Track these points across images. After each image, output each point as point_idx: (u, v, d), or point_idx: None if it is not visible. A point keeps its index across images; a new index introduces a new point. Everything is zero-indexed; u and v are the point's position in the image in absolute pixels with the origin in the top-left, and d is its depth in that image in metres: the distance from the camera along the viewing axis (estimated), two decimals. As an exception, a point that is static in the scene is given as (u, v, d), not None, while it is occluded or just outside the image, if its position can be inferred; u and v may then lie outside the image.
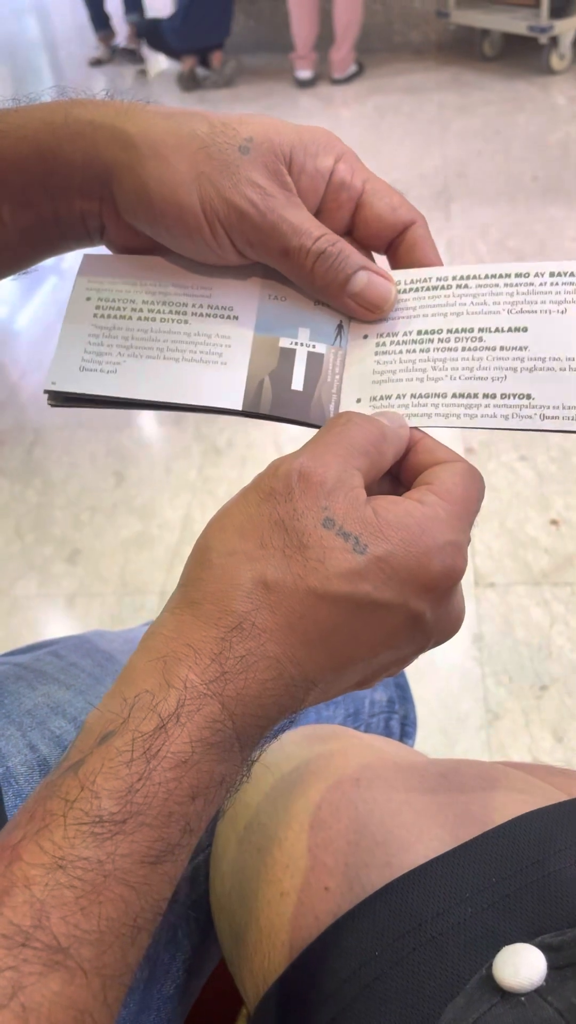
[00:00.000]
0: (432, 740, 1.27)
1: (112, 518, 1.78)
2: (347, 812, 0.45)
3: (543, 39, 3.43)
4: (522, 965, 0.32)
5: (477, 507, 0.34)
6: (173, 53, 4.14)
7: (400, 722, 0.65)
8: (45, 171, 0.36)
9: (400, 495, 0.34)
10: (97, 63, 4.65)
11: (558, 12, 3.39)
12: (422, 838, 0.42)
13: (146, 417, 2.07)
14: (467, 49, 3.93)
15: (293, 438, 1.88)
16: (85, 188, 0.37)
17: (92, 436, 2.01)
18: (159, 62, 4.47)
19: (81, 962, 0.24)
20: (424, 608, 0.31)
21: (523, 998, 0.31)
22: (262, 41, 4.12)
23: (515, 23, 3.48)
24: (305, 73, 3.97)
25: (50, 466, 1.95)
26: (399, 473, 0.36)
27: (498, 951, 0.33)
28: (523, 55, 3.67)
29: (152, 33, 4.14)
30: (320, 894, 0.42)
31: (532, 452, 1.73)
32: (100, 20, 4.63)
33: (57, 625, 1.60)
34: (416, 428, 0.37)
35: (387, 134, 3.28)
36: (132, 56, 4.65)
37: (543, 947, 0.32)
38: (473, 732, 1.28)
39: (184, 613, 0.30)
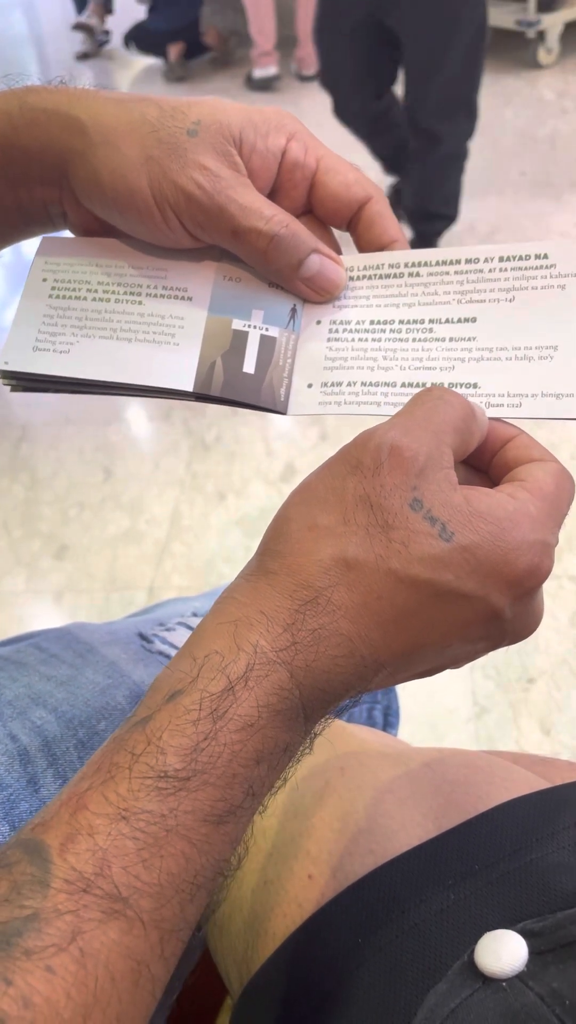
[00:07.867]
0: (420, 734, 1.27)
1: (100, 514, 1.77)
2: (331, 800, 0.45)
3: (530, 33, 3.43)
4: (503, 951, 0.32)
5: (567, 508, 0.33)
6: (160, 45, 4.11)
7: (383, 712, 0.65)
8: (4, 160, 0.37)
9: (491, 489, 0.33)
10: (84, 57, 4.62)
11: (545, 6, 3.39)
12: (405, 826, 0.42)
13: (134, 412, 2.06)
14: (455, 44, 3.92)
15: (282, 434, 1.88)
16: (44, 176, 0.37)
17: (79, 431, 2.00)
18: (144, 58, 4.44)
19: (140, 913, 0.25)
20: (504, 604, 0.30)
21: (505, 983, 0.31)
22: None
23: (503, 17, 3.48)
24: (264, 71, 3.80)
25: (37, 461, 1.95)
26: (489, 469, 0.36)
27: (480, 937, 0.33)
28: (511, 49, 3.66)
29: (139, 35, 4.11)
30: (304, 882, 0.42)
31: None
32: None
33: (45, 621, 1.60)
34: (513, 425, 0.36)
35: (375, 129, 3.27)
36: (91, 30, 4.56)
37: (525, 933, 0.32)
38: (461, 725, 1.28)
39: (259, 581, 0.30)
